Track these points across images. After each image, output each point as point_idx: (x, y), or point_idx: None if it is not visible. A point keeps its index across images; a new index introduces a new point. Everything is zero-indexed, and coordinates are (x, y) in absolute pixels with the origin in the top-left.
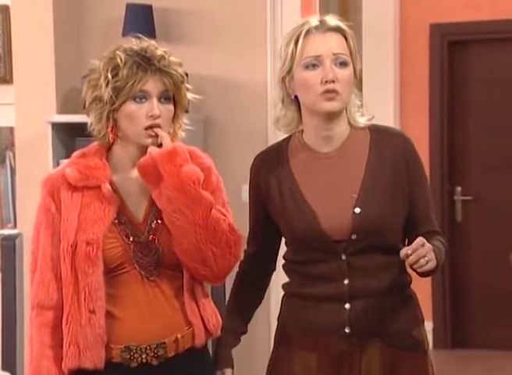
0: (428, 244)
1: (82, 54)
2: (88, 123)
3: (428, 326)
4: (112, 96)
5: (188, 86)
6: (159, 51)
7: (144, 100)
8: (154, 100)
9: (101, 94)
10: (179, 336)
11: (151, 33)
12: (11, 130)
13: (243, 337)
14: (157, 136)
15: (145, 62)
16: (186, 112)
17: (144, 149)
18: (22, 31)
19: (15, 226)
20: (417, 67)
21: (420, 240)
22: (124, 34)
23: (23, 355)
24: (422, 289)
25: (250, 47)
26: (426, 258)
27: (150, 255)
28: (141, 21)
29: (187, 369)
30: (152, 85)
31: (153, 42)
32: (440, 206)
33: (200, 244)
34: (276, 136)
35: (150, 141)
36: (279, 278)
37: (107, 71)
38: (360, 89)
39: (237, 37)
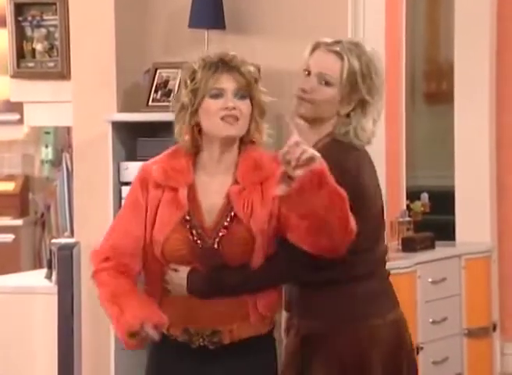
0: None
1: (145, 47)
2: (175, 134)
3: None
4: (191, 98)
5: (263, 89)
6: (232, 53)
7: (219, 97)
8: (230, 95)
9: (182, 100)
10: (234, 326)
11: (220, 24)
12: (68, 129)
13: None
14: (233, 124)
15: (219, 62)
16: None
17: (224, 148)
18: (81, 23)
19: (72, 234)
20: None
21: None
22: (191, 25)
23: (81, 367)
24: None
25: (329, 36)
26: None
27: (212, 261)
28: (209, 10)
29: (245, 358)
30: (225, 82)
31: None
32: None
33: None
34: None
35: (227, 131)
36: None
37: (186, 78)
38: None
39: (316, 25)
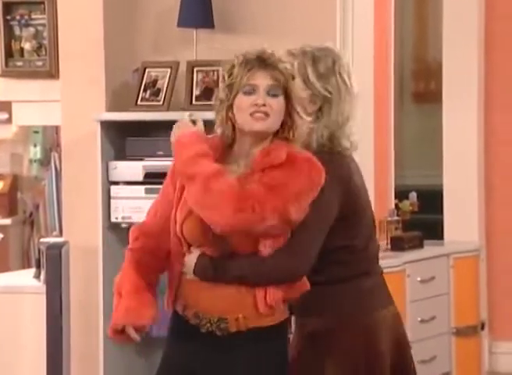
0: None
1: (133, 46)
2: (215, 127)
3: None
4: (227, 93)
5: (301, 85)
6: (270, 50)
7: (252, 93)
8: (262, 92)
9: (220, 95)
10: (240, 316)
11: (209, 23)
12: (56, 129)
13: None
14: (262, 120)
15: (255, 59)
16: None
17: (255, 143)
18: (69, 22)
19: (60, 234)
20: (505, 56)
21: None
22: (180, 24)
23: (69, 366)
24: None
25: (318, 37)
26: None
27: (220, 247)
28: (198, 9)
29: (253, 347)
30: (260, 79)
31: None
32: None
33: None
34: None
35: (255, 126)
36: None
37: (224, 73)
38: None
39: (305, 25)
